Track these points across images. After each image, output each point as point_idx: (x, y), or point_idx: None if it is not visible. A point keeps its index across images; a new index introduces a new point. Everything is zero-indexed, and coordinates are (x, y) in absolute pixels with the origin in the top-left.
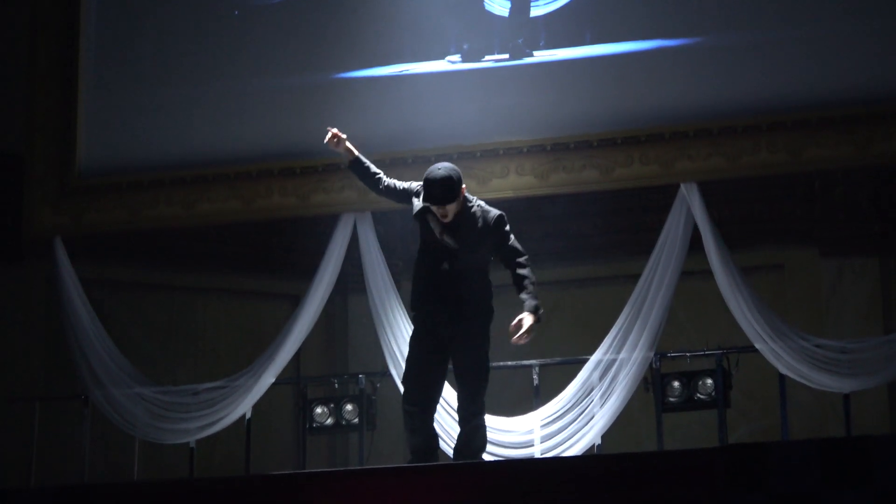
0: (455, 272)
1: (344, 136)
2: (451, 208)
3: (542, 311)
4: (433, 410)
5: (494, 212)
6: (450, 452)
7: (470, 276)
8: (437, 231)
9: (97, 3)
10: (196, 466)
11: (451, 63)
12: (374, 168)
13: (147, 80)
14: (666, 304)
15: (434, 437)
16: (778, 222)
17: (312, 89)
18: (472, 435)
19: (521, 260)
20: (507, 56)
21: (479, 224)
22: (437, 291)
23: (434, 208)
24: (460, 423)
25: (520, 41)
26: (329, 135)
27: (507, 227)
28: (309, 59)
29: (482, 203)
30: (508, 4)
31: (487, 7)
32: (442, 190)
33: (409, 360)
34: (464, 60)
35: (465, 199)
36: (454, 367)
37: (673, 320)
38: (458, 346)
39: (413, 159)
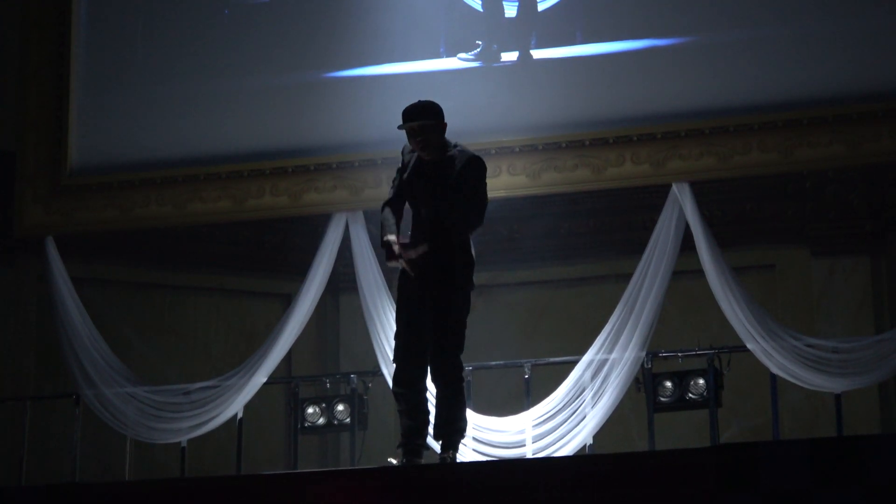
0: (432, 229)
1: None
2: (430, 140)
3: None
4: (423, 388)
5: (470, 153)
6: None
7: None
8: (418, 183)
9: (88, 2)
10: (187, 466)
11: (462, 61)
12: (391, 214)
13: (139, 79)
14: (658, 304)
15: (425, 419)
16: (769, 222)
17: (304, 88)
18: (452, 410)
19: (465, 205)
20: (511, 55)
21: (457, 167)
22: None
23: (410, 142)
24: (436, 389)
25: (495, 46)
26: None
27: (478, 171)
28: (300, 59)
29: (464, 148)
30: (514, 4)
31: (507, 14)
32: (414, 108)
33: (394, 337)
34: (476, 59)
35: (447, 144)
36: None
37: (665, 320)
38: (434, 307)
39: None
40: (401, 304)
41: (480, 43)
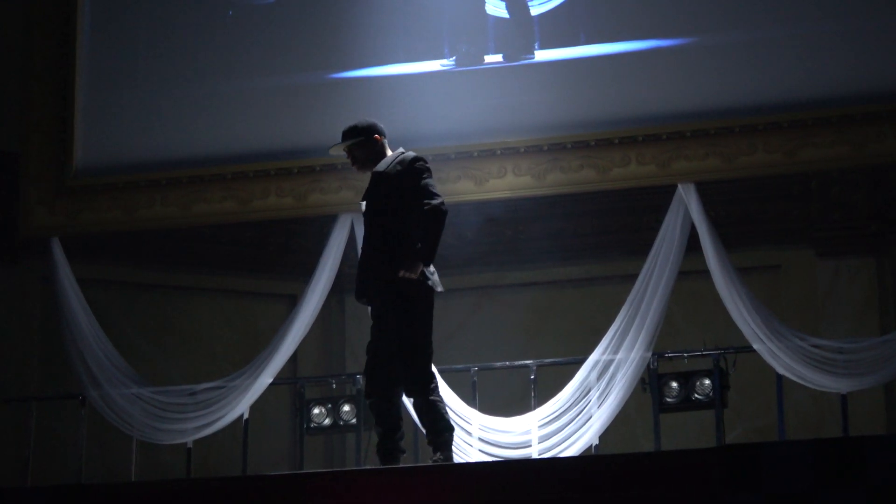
0: (374, 242)
1: None
2: (359, 157)
3: (420, 266)
4: (394, 396)
5: (410, 154)
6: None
7: (390, 245)
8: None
9: (93, 3)
10: (193, 467)
11: (443, 67)
12: None
13: (143, 79)
14: (663, 305)
15: (394, 424)
16: (774, 222)
17: (309, 89)
18: (429, 416)
19: (427, 205)
20: (501, 58)
21: (395, 171)
22: (364, 267)
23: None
24: (412, 401)
25: (523, 41)
26: None
27: (421, 167)
28: (305, 59)
29: (407, 153)
30: (503, 4)
31: (489, 11)
32: (342, 133)
33: (366, 351)
34: (458, 65)
35: (384, 155)
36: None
37: (670, 320)
38: (389, 321)
39: None
40: (373, 318)
41: (462, 48)
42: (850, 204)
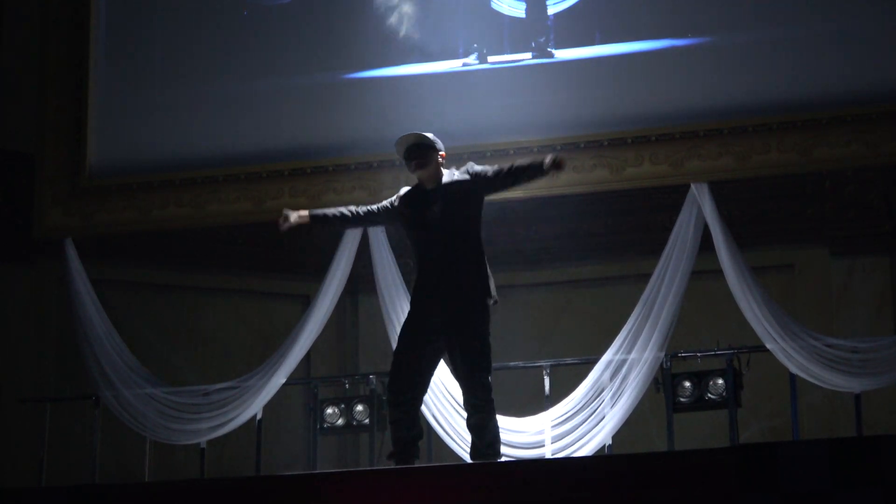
0: (448, 258)
1: (289, 214)
2: (431, 168)
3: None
4: (420, 403)
5: (465, 166)
6: (461, 453)
7: (464, 260)
8: (421, 213)
9: (107, 4)
10: (207, 467)
11: (467, 66)
12: (333, 210)
13: (157, 80)
14: (676, 304)
15: (420, 431)
16: (788, 222)
17: (323, 89)
18: (484, 430)
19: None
20: (528, 55)
21: (459, 183)
22: (431, 281)
23: (411, 168)
24: (468, 417)
25: (541, 40)
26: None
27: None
28: (320, 59)
29: (455, 170)
30: (522, 4)
31: (495, 6)
32: (414, 139)
33: (399, 351)
34: (471, 65)
35: (444, 170)
36: (453, 357)
37: (683, 320)
38: (456, 335)
39: None
40: (413, 319)
41: (476, 48)
42: (864, 203)
